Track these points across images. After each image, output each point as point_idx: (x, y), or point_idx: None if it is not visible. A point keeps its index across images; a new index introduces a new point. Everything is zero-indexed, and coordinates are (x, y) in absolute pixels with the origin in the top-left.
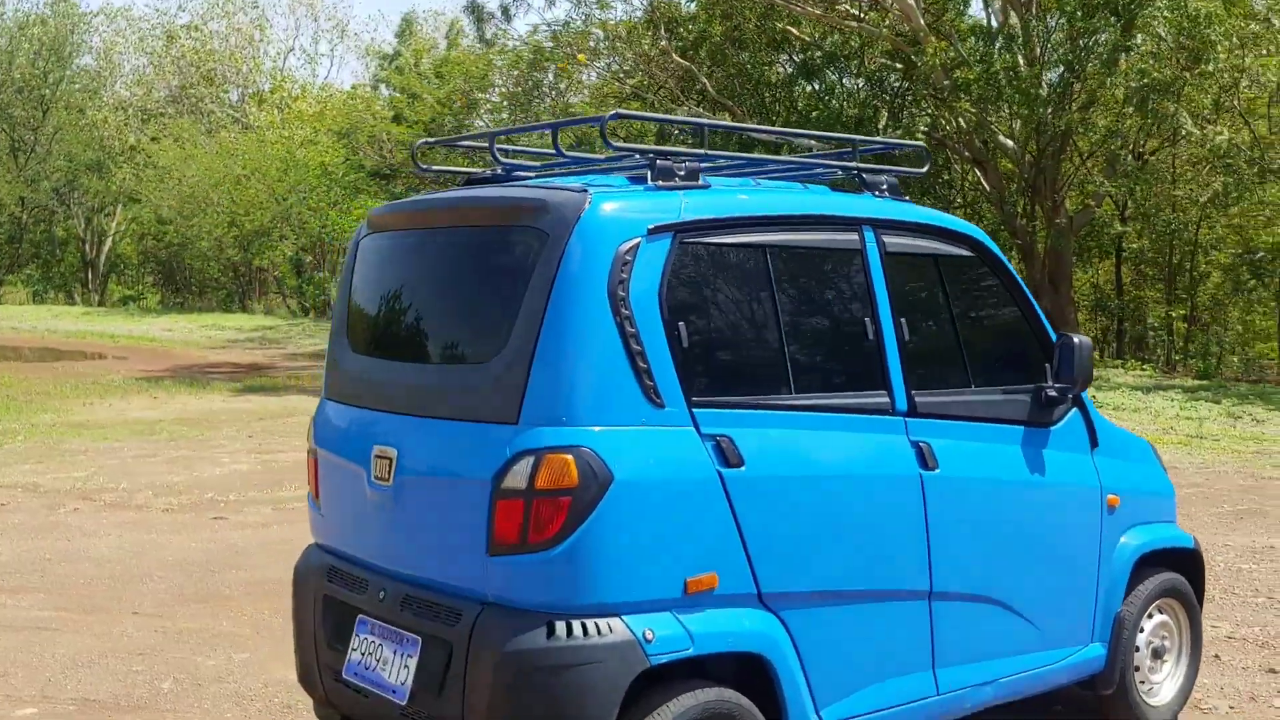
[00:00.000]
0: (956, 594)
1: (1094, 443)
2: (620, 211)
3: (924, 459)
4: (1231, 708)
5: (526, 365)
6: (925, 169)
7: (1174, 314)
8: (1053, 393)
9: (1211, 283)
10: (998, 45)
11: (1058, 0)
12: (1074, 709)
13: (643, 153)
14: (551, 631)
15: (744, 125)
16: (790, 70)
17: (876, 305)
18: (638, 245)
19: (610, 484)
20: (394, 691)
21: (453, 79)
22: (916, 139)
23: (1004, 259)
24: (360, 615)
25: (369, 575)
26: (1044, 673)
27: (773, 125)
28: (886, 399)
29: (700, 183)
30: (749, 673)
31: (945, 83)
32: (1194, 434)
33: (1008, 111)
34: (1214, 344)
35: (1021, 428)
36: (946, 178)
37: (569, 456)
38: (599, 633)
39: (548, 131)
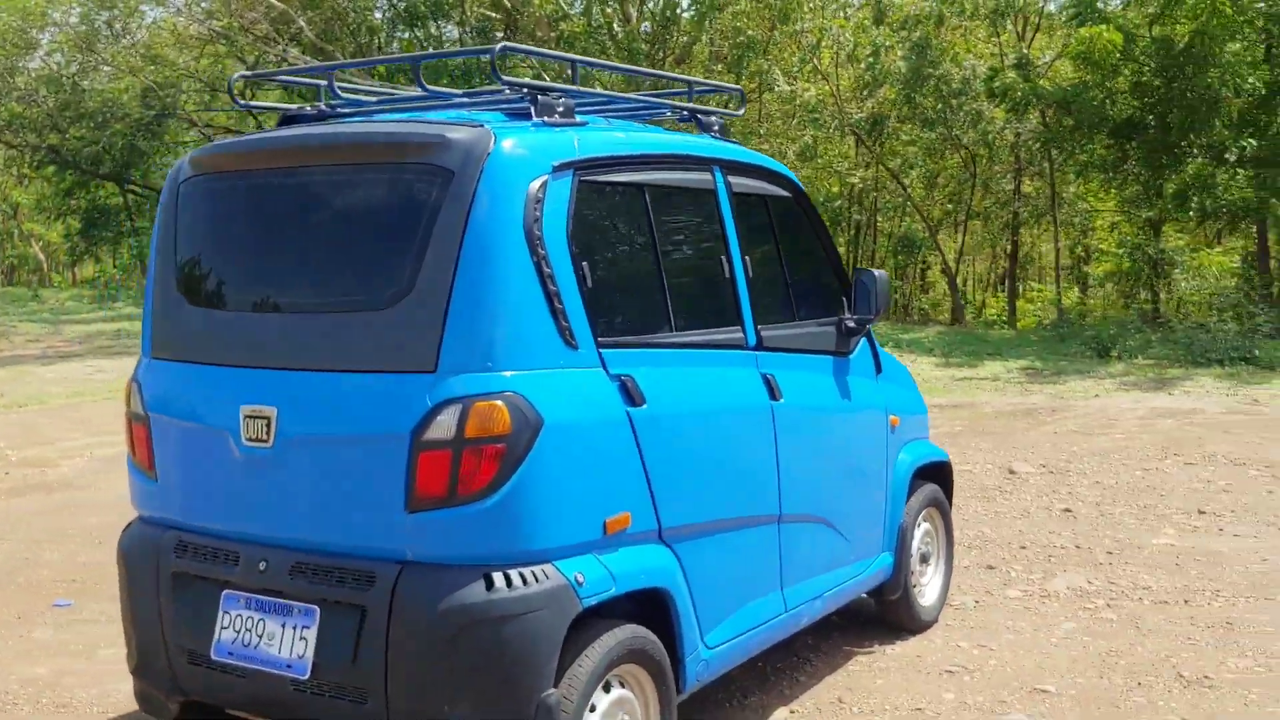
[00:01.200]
0: (796, 516)
1: (878, 368)
2: (525, 148)
3: (771, 390)
4: (976, 602)
5: (442, 310)
6: (742, 111)
7: None
8: (851, 324)
9: None
10: None
11: None
12: (849, 619)
13: (526, 87)
14: (491, 584)
15: (614, 65)
16: (389, 16)
17: (729, 244)
18: (545, 183)
19: (540, 429)
20: (288, 666)
21: (6, 15)
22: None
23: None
24: (227, 590)
25: (239, 546)
26: (856, 584)
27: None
28: (741, 334)
29: (580, 120)
30: (649, 607)
31: (551, 35)
32: None
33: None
34: None
35: (830, 357)
36: None
37: (499, 403)
38: (536, 580)
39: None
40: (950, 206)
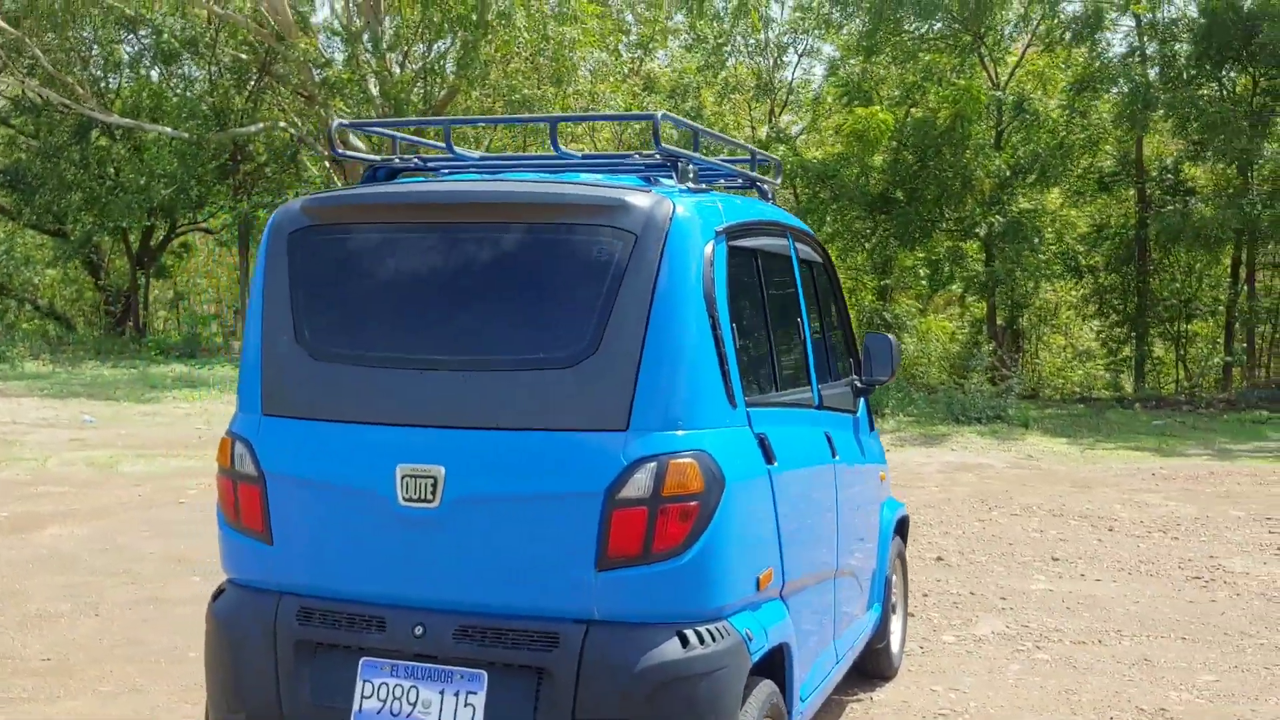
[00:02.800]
0: (843, 570)
1: (871, 425)
2: (696, 214)
3: (832, 449)
4: (920, 648)
5: (633, 369)
6: (779, 181)
7: None
8: (860, 384)
9: None
10: (361, 47)
11: (402, 7)
12: None
13: (666, 153)
14: (685, 641)
15: (692, 125)
16: (138, 50)
17: (800, 307)
18: (713, 248)
19: (725, 486)
20: None
21: None
22: (277, 135)
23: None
24: (366, 658)
25: (385, 611)
26: (866, 634)
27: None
28: (810, 394)
29: (703, 186)
30: (771, 663)
31: (315, 79)
32: None
33: (376, 113)
34: None
35: (849, 416)
36: (307, 176)
37: (692, 461)
38: (721, 637)
39: None
40: None
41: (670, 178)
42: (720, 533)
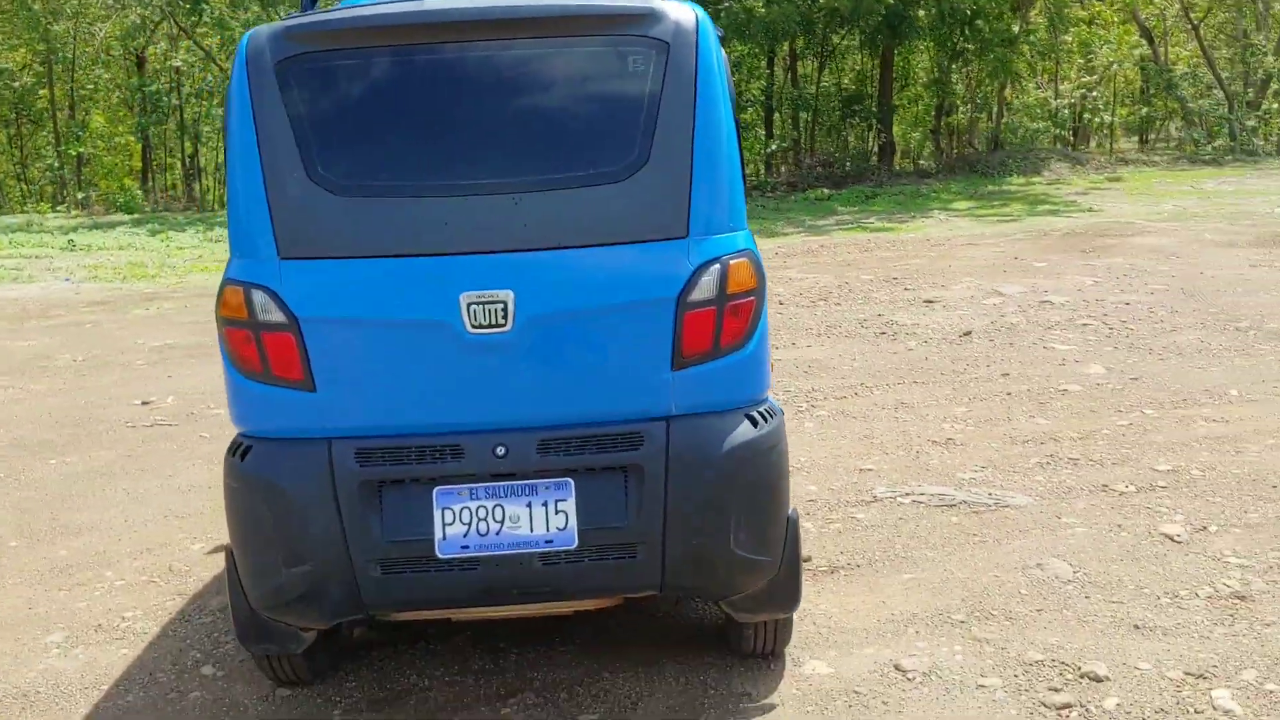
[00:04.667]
0: None
1: None
2: (708, 19)
3: None
4: None
5: (686, 178)
6: None
7: None
8: None
9: None
10: None
11: None
12: None
13: None
14: (755, 422)
15: None
16: None
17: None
18: (723, 53)
19: (764, 282)
20: (547, 542)
21: None
22: None
23: None
24: (439, 488)
25: (459, 439)
26: None
27: None
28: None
29: None
30: None
31: None
32: None
33: None
34: None
35: None
36: None
37: (746, 260)
38: (773, 414)
39: None
40: None
41: None
42: (764, 324)
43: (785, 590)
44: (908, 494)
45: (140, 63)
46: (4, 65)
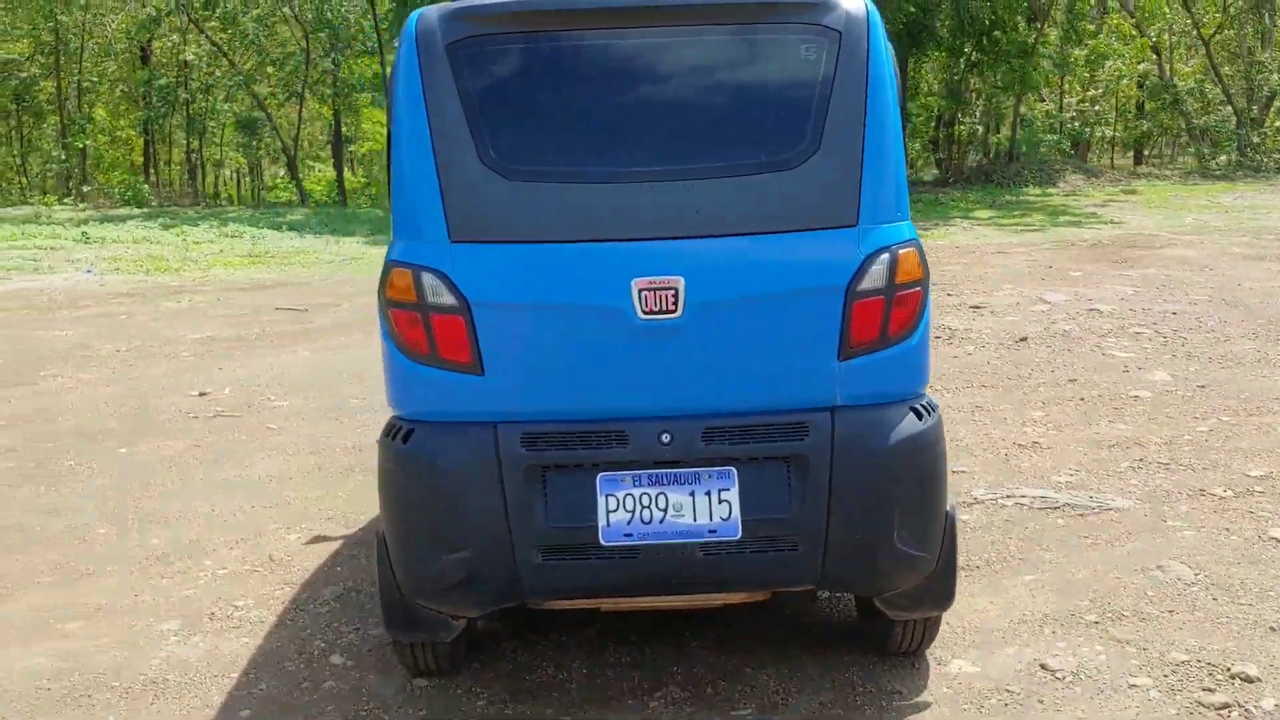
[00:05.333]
0: None
1: None
2: (875, 8)
3: None
4: None
5: (857, 165)
6: None
7: None
8: None
9: None
10: None
11: None
12: None
13: None
14: (920, 415)
15: None
16: None
17: None
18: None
19: (929, 272)
20: (710, 531)
21: None
22: None
23: None
24: (603, 473)
25: (623, 425)
26: None
27: None
28: None
29: None
30: None
31: None
32: None
33: None
34: None
35: None
36: None
37: (913, 250)
38: (933, 407)
39: None
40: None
41: None
42: (928, 315)
43: (941, 588)
44: (1008, 496)
45: (145, 56)
46: (8, 56)
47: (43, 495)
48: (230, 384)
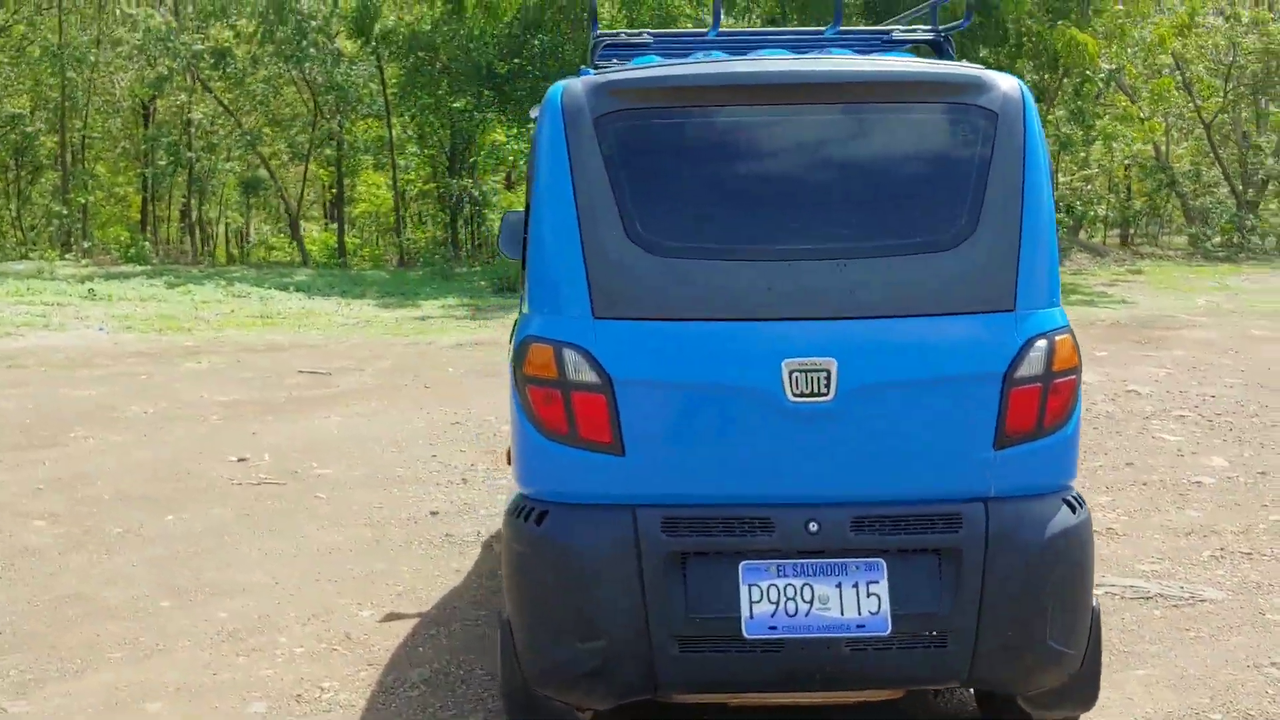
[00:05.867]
0: None
1: None
2: (1026, 88)
3: None
4: None
5: (1015, 249)
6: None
7: None
8: None
9: None
10: None
11: None
12: None
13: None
14: (1073, 508)
15: None
16: None
17: None
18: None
19: (1082, 359)
20: (859, 626)
21: None
22: None
23: None
24: (745, 562)
25: (769, 511)
26: None
27: None
28: None
29: None
30: None
31: None
32: None
33: None
34: None
35: None
36: None
37: (1068, 337)
38: (1083, 501)
39: None
40: (287, 147)
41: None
42: (1080, 405)
43: (1087, 686)
44: (1098, 585)
45: (147, 114)
46: (13, 111)
47: (97, 564)
48: (268, 449)
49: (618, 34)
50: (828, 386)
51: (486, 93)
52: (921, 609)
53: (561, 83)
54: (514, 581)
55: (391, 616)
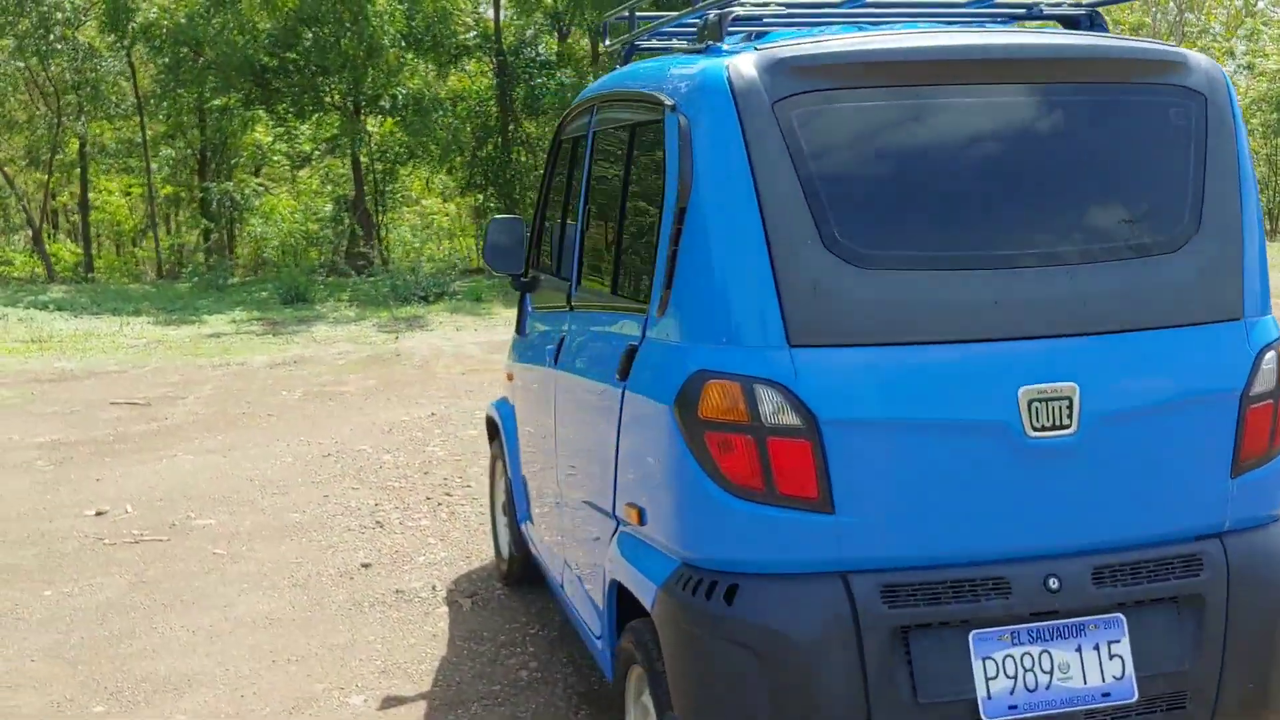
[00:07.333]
0: None
1: None
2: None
3: None
4: None
5: (1237, 248)
6: None
7: None
8: None
9: None
10: None
11: None
12: None
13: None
14: None
15: None
16: None
17: None
18: None
19: None
20: (1104, 695)
21: None
22: None
23: None
24: (975, 631)
25: (1006, 568)
26: None
27: None
28: None
29: None
30: None
31: None
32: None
33: None
34: None
35: None
36: None
37: None
38: None
39: None
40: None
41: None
42: None
43: None
44: None
45: None
46: None
47: None
48: (128, 499)
49: (743, 2)
50: (1070, 417)
51: (255, 89)
52: (1166, 668)
53: (718, 59)
54: (694, 672)
55: (391, 701)
